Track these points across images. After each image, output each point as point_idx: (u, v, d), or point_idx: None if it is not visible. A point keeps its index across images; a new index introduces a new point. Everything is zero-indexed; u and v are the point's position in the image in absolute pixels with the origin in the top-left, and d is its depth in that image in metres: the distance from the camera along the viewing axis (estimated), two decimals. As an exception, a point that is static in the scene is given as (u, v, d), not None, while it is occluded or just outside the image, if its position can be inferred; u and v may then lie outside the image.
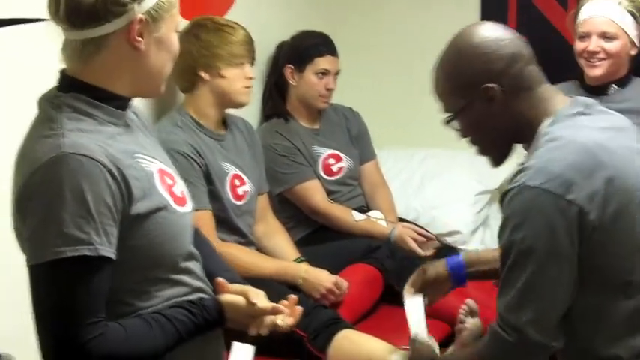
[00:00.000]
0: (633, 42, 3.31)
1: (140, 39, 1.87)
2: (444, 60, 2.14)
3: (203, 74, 3.12)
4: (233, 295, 2.04)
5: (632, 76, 3.39)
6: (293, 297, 2.14)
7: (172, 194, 1.97)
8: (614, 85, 3.36)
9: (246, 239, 3.22)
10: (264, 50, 3.78)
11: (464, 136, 2.17)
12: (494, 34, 2.09)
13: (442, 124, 2.14)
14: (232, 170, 3.17)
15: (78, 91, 1.89)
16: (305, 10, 4.20)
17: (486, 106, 2.05)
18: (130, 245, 1.86)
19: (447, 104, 2.14)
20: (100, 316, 1.81)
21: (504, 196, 2.02)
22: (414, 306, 2.46)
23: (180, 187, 2.04)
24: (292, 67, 3.70)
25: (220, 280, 2.05)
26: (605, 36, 3.28)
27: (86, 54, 1.87)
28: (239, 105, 3.19)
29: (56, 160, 1.78)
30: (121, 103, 1.94)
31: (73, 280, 1.78)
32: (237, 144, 3.25)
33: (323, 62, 3.67)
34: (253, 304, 2.02)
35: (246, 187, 3.21)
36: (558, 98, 2.11)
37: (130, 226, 1.85)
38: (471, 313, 2.54)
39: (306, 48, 3.69)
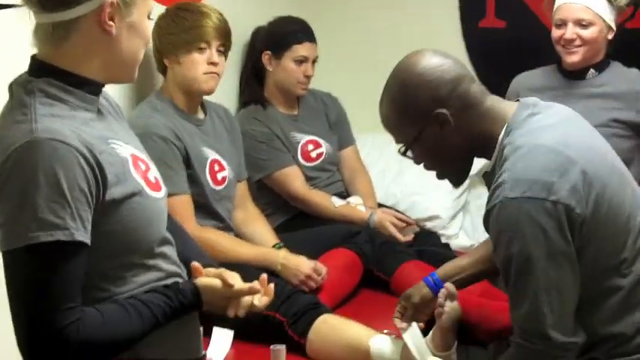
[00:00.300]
0: (610, 26, 3.32)
1: (111, 23, 1.87)
2: (389, 94, 2.17)
3: (165, 61, 3.13)
4: (209, 278, 2.03)
5: (611, 61, 3.40)
6: (264, 276, 2.15)
7: (147, 179, 1.97)
8: (592, 70, 3.38)
9: (224, 224, 3.21)
10: (241, 36, 3.76)
11: (419, 162, 2.21)
12: (434, 61, 2.13)
13: (398, 154, 2.20)
14: (212, 155, 3.16)
15: (50, 76, 1.88)
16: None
17: (439, 132, 2.10)
18: (105, 231, 1.85)
19: (399, 136, 2.18)
20: (76, 302, 1.81)
21: (488, 215, 2.04)
22: (413, 336, 2.52)
23: (154, 173, 2.03)
24: (270, 53, 3.68)
25: (196, 264, 2.05)
26: (580, 23, 3.29)
27: (57, 37, 1.86)
28: (202, 92, 3.14)
29: (29, 146, 1.77)
30: (93, 88, 1.93)
31: (48, 265, 1.77)
32: (217, 129, 3.24)
33: (301, 49, 3.66)
34: (230, 285, 2.02)
35: (226, 173, 3.20)
36: (506, 106, 2.15)
37: (105, 211, 1.85)
38: (450, 297, 2.55)
39: (284, 35, 3.67)
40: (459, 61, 2.18)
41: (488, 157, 2.15)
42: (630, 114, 3.33)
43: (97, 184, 1.82)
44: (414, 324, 2.55)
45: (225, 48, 3.14)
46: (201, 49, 3.07)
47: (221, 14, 3.14)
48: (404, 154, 2.20)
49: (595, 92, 3.37)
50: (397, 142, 2.21)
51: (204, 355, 2.18)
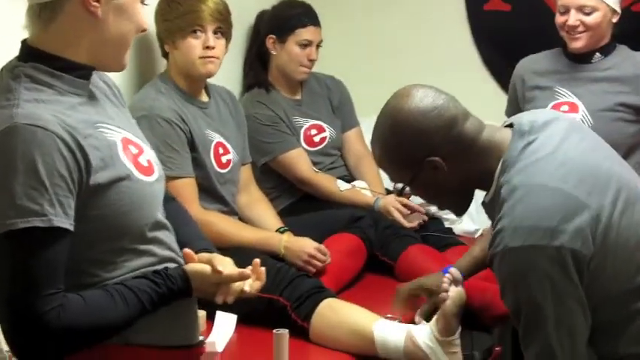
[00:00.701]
0: (614, 10, 3.29)
1: (96, 4, 1.86)
2: (380, 138, 2.11)
3: (166, 46, 3.12)
4: (200, 264, 2.02)
5: (617, 44, 3.38)
6: (256, 260, 2.13)
7: (137, 163, 1.95)
8: (598, 54, 3.36)
9: (228, 208, 3.20)
10: (245, 19, 3.74)
11: (419, 197, 2.20)
12: (425, 103, 2.04)
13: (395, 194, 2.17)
14: (216, 138, 3.15)
15: (37, 61, 1.87)
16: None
17: (433, 175, 2.05)
18: (93, 215, 1.84)
19: (394, 177, 2.15)
20: (57, 288, 1.80)
21: (492, 260, 2.00)
22: (425, 334, 2.56)
23: (148, 156, 2.01)
24: (274, 37, 3.67)
25: (187, 251, 2.03)
26: (583, 10, 3.27)
27: (44, 18, 1.86)
28: (201, 76, 3.12)
29: (9, 131, 1.77)
30: (82, 72, 1.92)
31: (26, 251, 1.77)
32: (221, 113, 3.23)
33: (305, 33, 3.64)
34: (219, 272, 1.99)
35: (230, 156, 3.19)
36: (502, 137, 2.06)
37: (91, 196, 1.84)
38: (455, 282, 2.54)
39: (289, 18, 3.66)
40: (452, 98, 2.09)
41: (487, 190, 2.10)
42: (636, 98, 3.31)
43: (78, 169, 1.81)
44: (424, 323, 2.58)
45: (223, 31, 3.11)
46: (195, 34, 3.05)
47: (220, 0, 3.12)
48: (400, 194, 2.19)
49: (601, 76, 3.35)
50: (391, 179, 2.18)
51: (202, 342, 2.15)
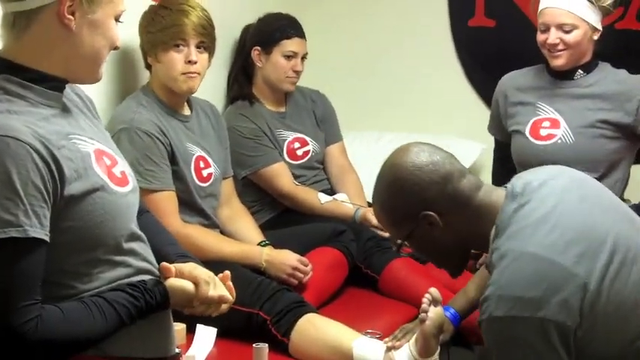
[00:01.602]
0: (595, 27, 3.30)
1: (70, 17, 1.86)
2: (378, 192, 2.14)
3: (148, 59, 3.11)
4: (180, 280, 2.03)
5: (599, 62, 3.39)
6: (227, 273, 2.14)
7: (111, 174, 1.95)
8: (580, 70, 3.36)
9: (210, 221, 3.20)
10: (230, 34, 3.74)
11: (417, 253, 2.24)
12: (421, 159, 2.07)
13: (394, 249, 2.21)
14: (197, 152, 3.14)
15: (10, 73, 1.88)
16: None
17: (429, 231, 2.06)
18: (67, 226, 1.84)
19: (392, 233, 2.16)
20: (34, 299, 1.79)
21: (480, 325, 1.98)
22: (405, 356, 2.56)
23: (122, 168, 2.02)
24: (259, 49, 3.67)
25: (165, 265, 2.03)
26: (563, 28, 3.27)
27: (18, 28, 1.87)
28: (182, 92, 3.10)
29: None
30: (55, 84, 1.93)
31: (2, 263, 1.76)
32: (203, 126, 3.23)
33: (290, 44, 3.65)
34: (204, 295, 2.02)
35: (211, 170, 3.18)
36: (497, 199, 2.05)
37: (65, 207, 1.84)
38: (434, 302, 2.52)
39: (274, 30, 3.67)
40: (450, 155, 2.11)
41: (483, 251, 2.11)
42: (618, 115, 3.31)
43: (53, 179, 1.81)
44: (406, 345, 2.57)
45: (206, 45, 3.09)
46: (178, 47, 3.04)
47: (204, 11, 3.10)
48: (398, 250, 2.21)
49: (583, 93, 3.36)
50: (390, 235, 2.19)
51: (178, 354, 2.16)
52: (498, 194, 2.06)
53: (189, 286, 2.02)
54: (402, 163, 2.08)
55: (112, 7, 1.92)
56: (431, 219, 2.04)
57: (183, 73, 3.04)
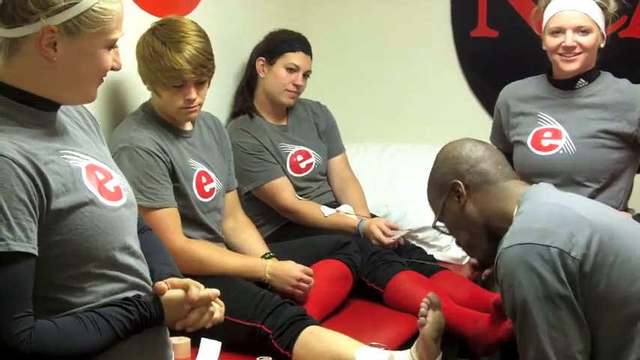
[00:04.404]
0: (602, 34, 3.30)
1: (48, 49, 1.86)
2: (430, 172, 2.38)
3: (147, 85, 3.09)
4: (172, 290, 2.02)
5: (601, 71, 3.38)
6: (215, 291, 2.11)
7: (102, 188, 1.96)
8: (582, 79, 3.35)
9: (214, 235, 3.20)
10: (234, 48, 3.76)
11: (452, 236, 2.37)
12: (467, 144, 2.32)
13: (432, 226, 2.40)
14: (199, 167, 3.14)
15: (0, 93, 1.88)
16: (277, 8, 4.18)
17: (457, 203, 2.27)
18: (56, 240, 1.85)
19: (433, 210, 2.38)
20: (26, 311, 1.81)
21: (494, 269, 2.11)
22: None
23: (116, 182, 2.02)
24: (264, 59, 3.69)
25: (159, 285, 2.02)
26: (580, 30, 3.26)
27: (4, 53, 1.88)
28: (181, 122, 3.10)
29: None
30: (46, 105, 1.93)
31: None
32: (205, 140, 3.22)
33: (294, 58, 3.66)
34: (194, 297, 2.02)
35: (213, 184, 3.18)
36: (525, 188, 2.24)
37: (53, 221, 1.85)
38: (432, 306, 2.54)
39: (280, 42, 3.69)
40: (497, 151, 2.38)
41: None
42: (620, 125, 3.29)
43: (39, 193, 1.82)
44: (408, 351, 2.59)
45: (205, 78, 3.04)
46: (177, 87, 2.99)
47: (200, 38, 3.01)
48: (434, 226, 2.38)
49: (584, 102, 3.35)
50: (434, 213, 2.38)
51: None
52: (525, 185, 2.26)
53: (179, 292, 2.02)
54: (451, 145, 2.34)
55: (101, 37, 1.90)
56: (458, 187, 2.25)
57: (182, 108, 3.02)
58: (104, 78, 1.98)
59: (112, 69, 1.97)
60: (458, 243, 2.36)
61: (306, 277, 3.11)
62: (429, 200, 2.38)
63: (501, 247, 2.06)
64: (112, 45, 1.93)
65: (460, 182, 2.25)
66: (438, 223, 2.35)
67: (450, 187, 2.26)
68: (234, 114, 3.74)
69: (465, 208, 2.25)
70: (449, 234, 2.37)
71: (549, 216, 2.07)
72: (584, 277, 2.00)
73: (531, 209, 2.13)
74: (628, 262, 2.03)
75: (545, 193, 2.22)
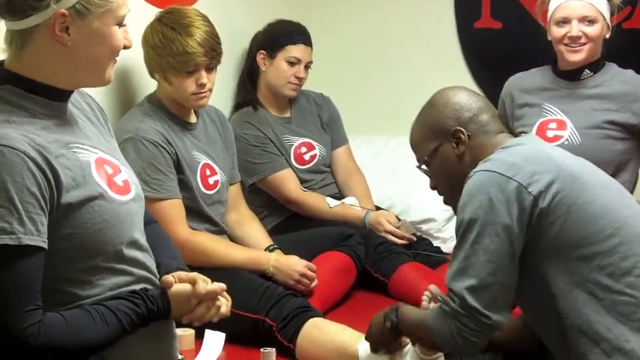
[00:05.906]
0: (607, 24, 3.29)
1: (61, 34, 1.86)
2: (421, 111, 2.36)
3: (155, 75, 3.09)
4: (180, 284, 2.03)
5: (606, 62, 3.37)
6: (222, 285, 2.13)
7: (111, 182, 1.96)
8: (586, 70, 3.34)
9: (217, 227, 3.20)
10: (239, 42, 3.75)
11: (432, 181, 2.36)
12: (464, 93, 2.33)
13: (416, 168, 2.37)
14: (203, 160, 3.14)
15: (12, 84, 1.89)
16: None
17: (452, 149, 2.27)
18: (66, 234, 1.86)
19: (420, 151, 2.35)
20: (35, 305, 1.81)
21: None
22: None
23: (125, 176, 2.02)
24: (264, 52, 3.68)
25: (167, 279, 2.03)
26: (586, 20, 3.25)
27: (15, 45, 1.89)
28: (192, 108, 3.12)
29: None
30: (57, 94, 1.94)
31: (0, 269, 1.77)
32: (209, 133, 3.23)
33: (295, 50, 3.66)
34: (201, 291, 2.03)
35: (217, 177, 3.18)
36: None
37: (63, 214, 1.85)
38: (434, 299, 2.53)
39: (280, 35, 3.68)
40: (490, 103, 2.35)
41: None
42: (625, 116, 3.29)
43: (49, 187, 1.82)
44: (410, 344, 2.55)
45: (215, 63, 3.07)
46: (189, 72, 3.01)
47: (207, 24, 3.05)
48: (419, 167, 2.35)
49: (589, 93, 3.34)
50: (417, 158, 2.36)
51: None
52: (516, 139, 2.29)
53: (187, 286, 2.03)
54: (448, 90, 2.34)
55: (110, 15, 1.91)
56: (459, 135, 2.25)
57: (194, 94, 3.04)
58: (117, 59, 1.99)
59: (124, 47, 1.97)
60: (433, 187, 2.37)
61: (309, 272, 3.11)
62: (415, 140, 2.36)
63: (473, 170, 2.15)
64: (120, 22, 1.94)
65: (464, 131, 2.25)
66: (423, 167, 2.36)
67: (451, 134, 2.26)
68: (238, 105, 3.74)
69: (457, 156, 2.26)
70: (430, 177, 2.36)
71: (523, 154, 2.13)
72: (540, 213, 2.06)
73: (512, 146, 2.18)
74: (590, 205, 2.09)
75: (529, 137, 2.33)
